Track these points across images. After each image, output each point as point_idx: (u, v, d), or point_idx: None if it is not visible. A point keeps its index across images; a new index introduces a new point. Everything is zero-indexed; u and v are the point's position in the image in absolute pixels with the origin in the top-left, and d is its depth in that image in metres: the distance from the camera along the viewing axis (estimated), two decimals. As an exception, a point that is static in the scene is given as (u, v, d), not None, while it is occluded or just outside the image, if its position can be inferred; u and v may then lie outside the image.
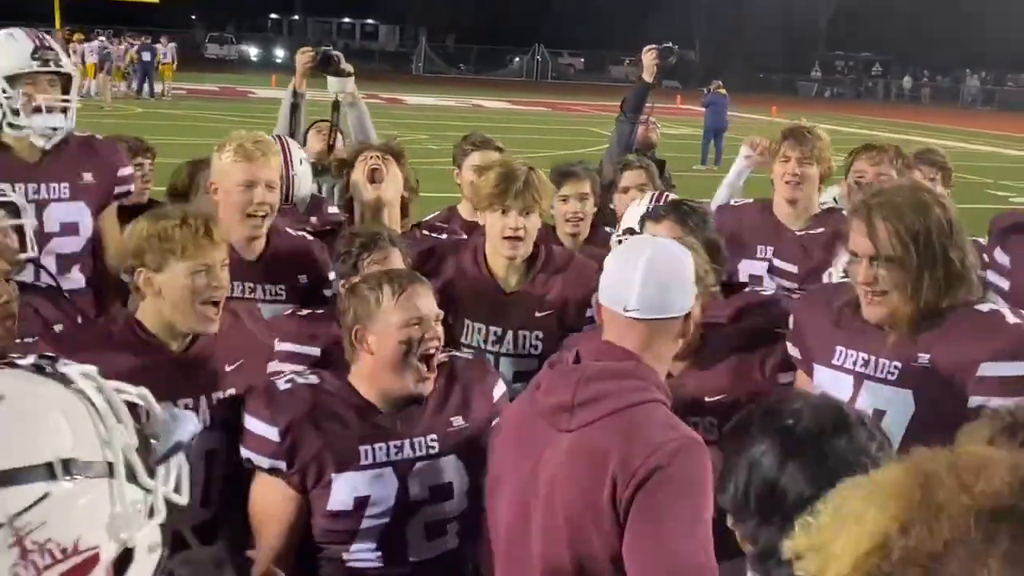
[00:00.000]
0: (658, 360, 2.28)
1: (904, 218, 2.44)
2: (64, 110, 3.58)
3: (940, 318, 2.49)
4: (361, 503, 2.56)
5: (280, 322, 3.25)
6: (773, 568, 1.68)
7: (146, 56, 30.78)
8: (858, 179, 4.06)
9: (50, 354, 1.16)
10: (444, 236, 3.93)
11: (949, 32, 57.18)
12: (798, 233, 4.00)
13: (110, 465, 1.06)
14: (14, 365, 1.13)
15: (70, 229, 3.66)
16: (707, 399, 2.80)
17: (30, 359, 1.13)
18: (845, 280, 2.87)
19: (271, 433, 2.55)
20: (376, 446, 2.59)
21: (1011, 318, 2.50)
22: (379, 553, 2.61)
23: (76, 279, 3.73)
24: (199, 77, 37.12)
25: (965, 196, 11.40)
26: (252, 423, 2.58)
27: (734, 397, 2.75)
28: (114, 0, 37.51)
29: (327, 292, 3.56)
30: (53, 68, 3.56)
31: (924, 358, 2.49)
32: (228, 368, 2.85)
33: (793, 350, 2.83)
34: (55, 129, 3.60)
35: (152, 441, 1.15)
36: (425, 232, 3.94)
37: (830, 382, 2.63)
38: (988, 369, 2.43)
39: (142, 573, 1.10)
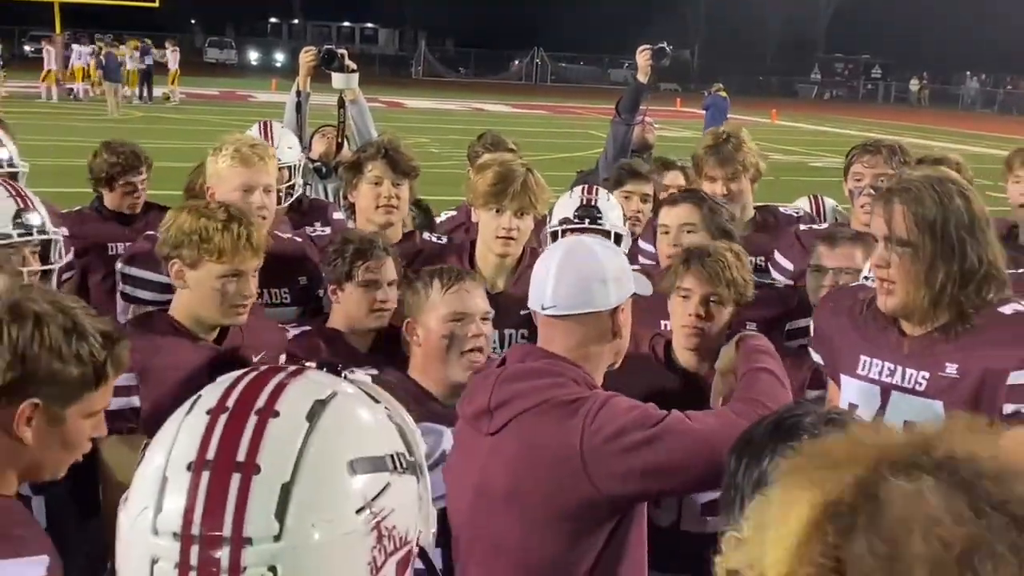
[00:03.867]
0: (587, 359, 2.23)
1: (922, 203, 2.34)
2: (44, 275, 3.08)
3: (962, 323, 2.39)
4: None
5: None
6: None
7: (145, 60, 30.70)
8: (857, 181, 3.98)
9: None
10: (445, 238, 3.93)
11: (948, 35, 57.21)
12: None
13: (419, 466, 1.13)
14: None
15: None
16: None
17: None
18: (863, 283, 2.84)
19: None
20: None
21: None
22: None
23: None
24: (199, 81, 37.09)
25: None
26: None
27: None
28: (113, 4, 37.47)
29: (321, 292, 3.54)
30: (36, 237, 3.05)
31: (951, 368, 2.39)
32: (255, 359, 2.88)
33: (817, 356, 2.79)
34: None
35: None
36: (425, 236, 3.93)
37: (858, 393, 2.55)
38: (1019, 377, 2.33)
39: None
